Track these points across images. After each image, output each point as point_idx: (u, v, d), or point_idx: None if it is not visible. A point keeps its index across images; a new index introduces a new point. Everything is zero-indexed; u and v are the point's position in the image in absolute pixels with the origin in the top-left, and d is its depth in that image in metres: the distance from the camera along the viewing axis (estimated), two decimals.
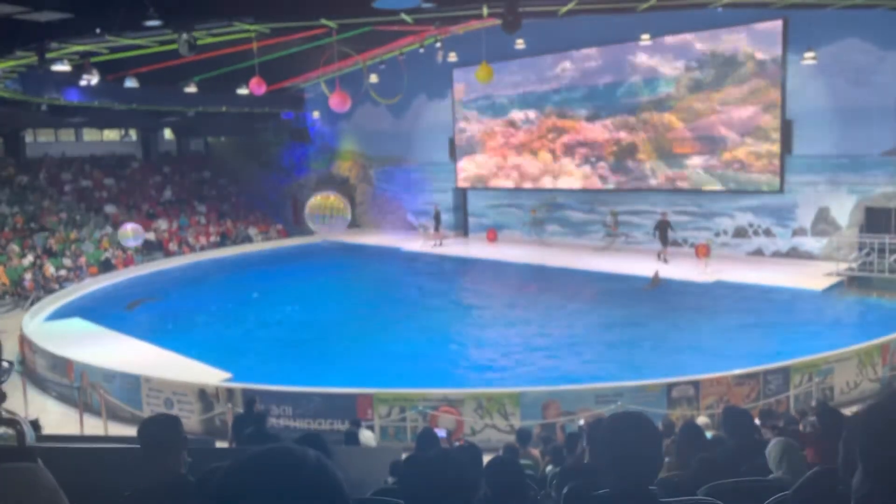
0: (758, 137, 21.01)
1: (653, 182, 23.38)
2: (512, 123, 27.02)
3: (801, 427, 7.07)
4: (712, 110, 21.75)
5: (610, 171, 24.43)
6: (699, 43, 21.77)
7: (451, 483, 2.23)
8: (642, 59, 23.02)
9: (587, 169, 24.97)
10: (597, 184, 24.77)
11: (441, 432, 9.79)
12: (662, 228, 21.00)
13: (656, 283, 18.94)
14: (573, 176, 25.41)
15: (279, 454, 1.00)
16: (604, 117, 24.26)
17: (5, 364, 1.56)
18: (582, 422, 9.28)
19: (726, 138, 21.59)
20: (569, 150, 25.40)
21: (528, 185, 26.80)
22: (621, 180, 24.16)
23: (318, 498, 0.97)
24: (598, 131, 24.43)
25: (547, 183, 26.24)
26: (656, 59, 22.68)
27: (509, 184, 27.33)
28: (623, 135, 23.81)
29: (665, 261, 20.53)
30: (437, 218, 27.23)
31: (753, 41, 20.73)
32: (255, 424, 8.23)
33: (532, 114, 26.32)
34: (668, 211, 21.59)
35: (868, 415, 1.43)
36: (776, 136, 20.60)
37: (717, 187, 21.92)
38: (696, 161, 22.33)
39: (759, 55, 20.63)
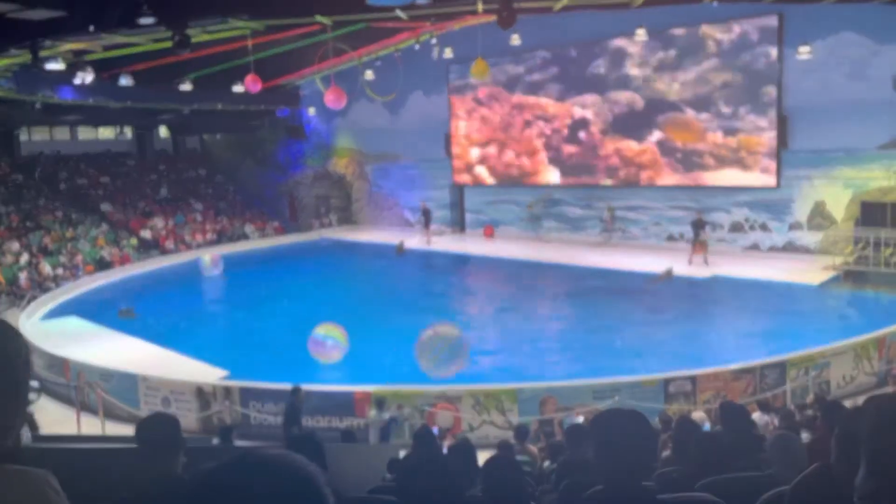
0: (716, 115, 21.57)
1: (601, 152, 24.35)
2: (477, 100, 27.58)
3: (797, 418, 7.09)
4: (675, 90, 22.36)
5: (562, 141, 25.27)
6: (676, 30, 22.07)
7: (445, 481, 2.24)
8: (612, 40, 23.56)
9: (537, 137, 26.03)
10: (541, 150, 25.93)
11: (434, 430, 9.82)
12: (700, 226, 20.08)
13: (666, 277, 18.89)
14: (520, 142, 26.46)
15: (259, 457, 1.00)
16: (573, 95, 24.79)
17: (35, 384, 1.59)
18: (581, 419, 9.29)
19: (685, 116, 22.20)
20: (527, 124, 26.25)
21: (492, 150, 27.15)
22: (572, 151, 25.11)
23: (296, 501, 0.96)
24: (556, 107, 25.40)
25: (492, 150, 27.29)
26: (624, 41, 23.04)
27: (476, 149, 27.42)
28: (577, 109, 24.75)
29: (690, 262, 19.79)
30: (425, 215, 27.09)
31: (743, 34, 20.82)
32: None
33: (497, 90, 26.88)
34: (702, 210, 21.00)
35: (871, 413, 1.41)
36: (728, 111, 21.26)
37: (664, 161, 22.82)
38: (656, 136, 23.00)
39: (720, 36, 21.14)
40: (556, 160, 25.63)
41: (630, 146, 23.60)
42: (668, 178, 22.98)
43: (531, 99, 26.06)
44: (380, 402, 9.90)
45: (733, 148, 21.50)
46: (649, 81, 22.86)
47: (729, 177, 21.68)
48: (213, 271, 22.36)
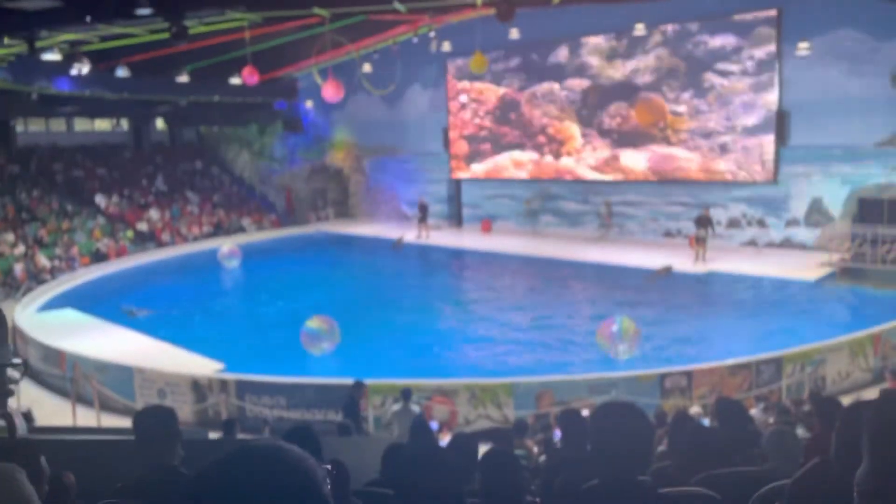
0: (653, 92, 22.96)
1: (529, 130, 26.16)
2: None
3: (792, 414, 7.11)
4: (624, 76, 23.53)
5: (493, 123, 27.22)
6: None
7: (443, 474, 2.23)
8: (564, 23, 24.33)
9: (468, 116, 27.93)
10: (473, 128, 27.77)
11: (434, 424, 9.81)
12: (703, 223, 19.80)
13: (664, 273, 18.89)
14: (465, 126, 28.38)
15: (257, 451, 0.99)
16: (531, 85, 25.92)
17: (17, 360, 1.53)
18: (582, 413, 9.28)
19: (627, 97, 23.63)
20: (463, 106, 28.07)
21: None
22: (503, 129, 26.94)
23: (295, 495, 0.96)
24: (492, 91, 27.17)
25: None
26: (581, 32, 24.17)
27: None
28: (507, 91, 26.65)
29: (697, 259, 19.52)
30: (422, 210, 26.92)
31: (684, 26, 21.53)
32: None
33: (447, 77, 28.17)
34: (709, 207, 20.73)
35: (876, 409, 1.40)
36: (672, 96, 22.50)
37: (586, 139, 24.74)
38: (599, 120, 24.34)
39: (664, 27, 22.18)
40: (490, 138, 27.43)
41: (554, 124, 25.57)
42: (590, 153, 24.74)
43: (473, 85, 27.47)
44: (406, 393, 9.68)
45: (661, 126, 22.79)
46: (604, 69, 24.05)
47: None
48: (232, 262, 22.72)
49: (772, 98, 20.40)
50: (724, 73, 21.24)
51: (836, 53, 19.03)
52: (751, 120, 20.92)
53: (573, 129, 24.96)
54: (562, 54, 24.95)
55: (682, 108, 22.32)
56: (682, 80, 22.23)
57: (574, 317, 16.36)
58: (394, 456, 4.20)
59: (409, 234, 26.52)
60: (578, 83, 24.72)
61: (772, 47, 20.21)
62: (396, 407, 9.53)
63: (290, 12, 17.36)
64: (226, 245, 23.47)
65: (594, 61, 24.15)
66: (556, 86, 25.33)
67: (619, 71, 23.59)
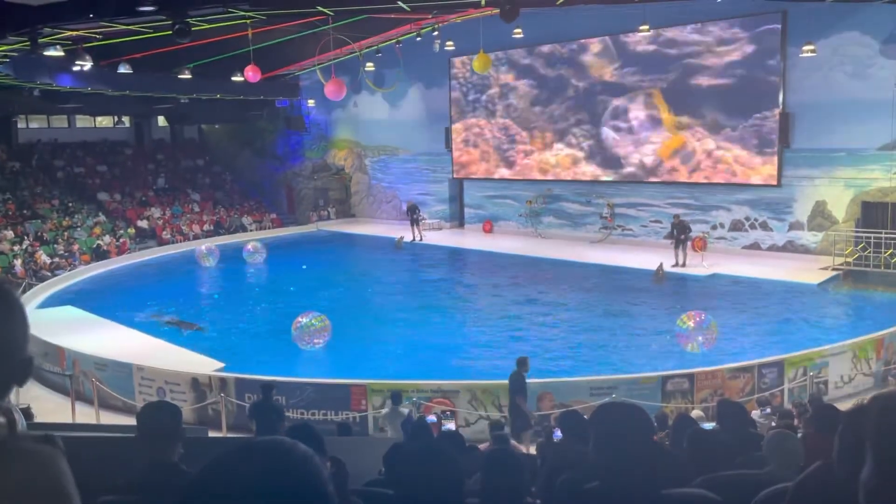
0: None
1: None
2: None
3: (796, 422, 7.07)
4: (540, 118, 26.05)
5: None
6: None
7: (444, 473, 2.20)
8: (502, 71, 26.72)
9: None
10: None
11: (431, 417, 9.80)
12: (678, 230, 19.82)
13: (660, 276, 18.88)
14: None
15: (263, 447, 0.99)
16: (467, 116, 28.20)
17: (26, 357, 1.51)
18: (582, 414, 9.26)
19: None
20: None
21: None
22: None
23: (300, 493, 0.96)
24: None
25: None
26: (510, 76, 26.55)
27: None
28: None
29: (682, 265, 19.57)
30: (412, 212, 26.73)
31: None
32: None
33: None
34: (679, 213, 20.85)
35: (879, 409, 1.38)
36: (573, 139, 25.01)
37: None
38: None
39: (577, 83, 24.57)
40: None
41: (469, 151, 28.28)
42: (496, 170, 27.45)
43: None
44: (395, 396, 9.68)
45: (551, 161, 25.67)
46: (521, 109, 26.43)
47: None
48: (256, 258, 23.13)
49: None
50: (615, 129, 24.01)
51: (840, 56, 18.98)
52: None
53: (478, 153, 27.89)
54: (494, 92, 27.17)
55: (581, 154, 24.98)
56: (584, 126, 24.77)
57: (575, 318, 16.31)
58: (396, 455, 4.17)
59: (409, 235, 26.51)
60: (504, 122, 27.05)
61: (653, 112, 22.37)
62: (385, 410, 9.57)
63: (293, 10, 17.32)
64: (251, 243, 24.13)
65: (517, 102, 26.62)
66: (482, 121, 27.63)
67: (539, 116, 25.99)
